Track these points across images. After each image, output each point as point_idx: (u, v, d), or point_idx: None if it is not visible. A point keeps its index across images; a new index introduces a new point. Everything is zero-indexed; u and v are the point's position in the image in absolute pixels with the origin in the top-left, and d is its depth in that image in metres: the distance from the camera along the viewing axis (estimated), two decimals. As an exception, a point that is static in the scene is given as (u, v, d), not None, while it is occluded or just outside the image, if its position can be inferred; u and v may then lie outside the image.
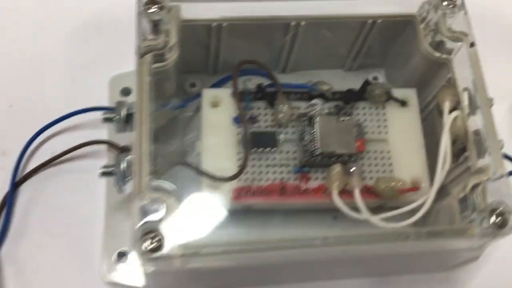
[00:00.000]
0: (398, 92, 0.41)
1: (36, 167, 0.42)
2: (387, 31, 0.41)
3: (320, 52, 0.43)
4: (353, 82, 0.42)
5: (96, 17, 0.48)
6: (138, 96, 0.35)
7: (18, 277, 0.39)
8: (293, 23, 0.40)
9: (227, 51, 0.41)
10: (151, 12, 0.36)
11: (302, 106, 0.40)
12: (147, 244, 0.31)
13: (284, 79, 0.42)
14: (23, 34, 0.47)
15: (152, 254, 0.31)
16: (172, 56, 0.37)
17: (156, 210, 0.32)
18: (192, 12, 0.38)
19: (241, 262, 0.33)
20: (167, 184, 0.34)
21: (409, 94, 0.42)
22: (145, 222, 0.31)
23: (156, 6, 0.36)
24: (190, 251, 0.31)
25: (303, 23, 0.39)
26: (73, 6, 0.48)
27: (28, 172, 0.42)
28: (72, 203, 0.41)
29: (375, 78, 0.45)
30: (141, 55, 0.36)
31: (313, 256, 0.34)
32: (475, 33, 0.40)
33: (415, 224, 0.37)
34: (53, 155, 0.42)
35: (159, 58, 0.36)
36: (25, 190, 0.41)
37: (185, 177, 0.37)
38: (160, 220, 0.32)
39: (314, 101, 0.40)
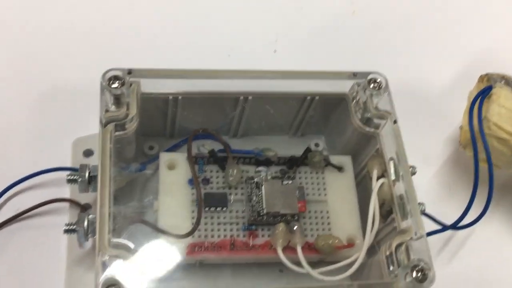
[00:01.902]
0: (335, 159, 0.46)
1: (1, 222, 0.44)
2: (325, 106, 0.47)
3: (267, 121, 0.48)
4: (297, 147, 0.47)
5: (60, 86, 0.52)
6: (101, 161, 0.38)
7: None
8: (241, 98, 0.45)
9: (183, 119, 0.46)
10: (113, 87, 0.40)
11: (250, 169, 0.45)
12: (109, 296, 0.34)
13: (235, 143, 0.47)
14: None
15: (115, 304, 0.34)
16: (132, 126, 0.41)
17: (116, 265, 0.35)
18: (151, 86, 0.42)
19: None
20: (126, 242, 0.37)
21: (345, 160, 0.47)
22: (107, 276, 0.35)
23: (118, 81, 0.40)
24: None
25: (250, 97, 0.45)
26: (39, 76, 0.52)
27: (-7, 227, 0.44)
28: (35, 257, 0.44)
29: (316, 144, 0.50)
30: (104, 124, 0.40)
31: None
32: (405, 107, 0.45)
33: (350, 277, 0.41)
34: (18, 211, 0.45)
35: (120, 127, 0.41)
36: (-10, 244, 0.44)
37: (143, 234, 0.41)
38: (120, 274, 0.35)
39: (260, 168, 0.45)
